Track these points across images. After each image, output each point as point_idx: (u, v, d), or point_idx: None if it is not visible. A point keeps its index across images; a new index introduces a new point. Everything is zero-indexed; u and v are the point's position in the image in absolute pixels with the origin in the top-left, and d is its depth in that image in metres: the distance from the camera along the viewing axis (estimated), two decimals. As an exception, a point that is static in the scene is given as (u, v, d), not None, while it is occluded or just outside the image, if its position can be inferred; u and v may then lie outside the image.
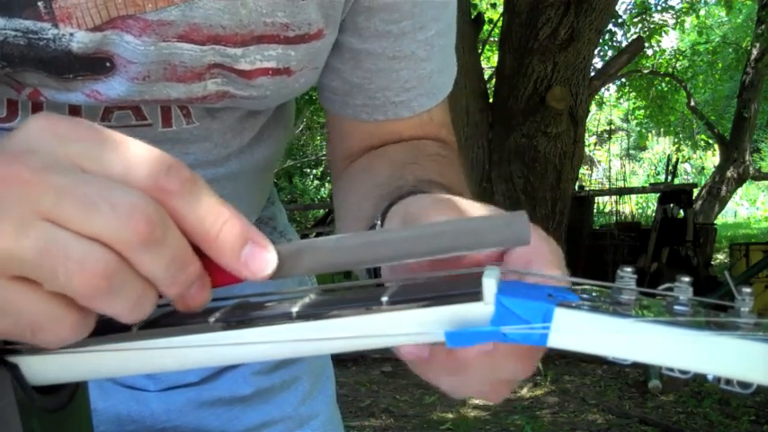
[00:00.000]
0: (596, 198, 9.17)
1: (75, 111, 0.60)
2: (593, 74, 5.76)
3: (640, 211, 12.82)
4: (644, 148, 20.25)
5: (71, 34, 0.53)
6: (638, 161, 20.74)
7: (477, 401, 3.79)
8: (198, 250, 0.38)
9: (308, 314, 0.37)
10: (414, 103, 0.72)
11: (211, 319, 0.38)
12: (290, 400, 0.80)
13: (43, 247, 0.34)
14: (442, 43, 0.71)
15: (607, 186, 12.92)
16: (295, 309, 0.37)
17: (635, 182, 17.69)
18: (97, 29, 0.54)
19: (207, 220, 0.37)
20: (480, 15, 6.36)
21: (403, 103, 0.71)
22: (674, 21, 11.66)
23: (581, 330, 0.33)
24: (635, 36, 10.15)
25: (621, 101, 15.19)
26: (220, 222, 0.37)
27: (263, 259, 0.38)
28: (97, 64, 0.56)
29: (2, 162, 0.35)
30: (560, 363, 4.51)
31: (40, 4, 0.52)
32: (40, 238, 0.34)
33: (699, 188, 10.93)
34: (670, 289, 0.35)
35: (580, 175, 9.83)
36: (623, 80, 12.13)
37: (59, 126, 0.37)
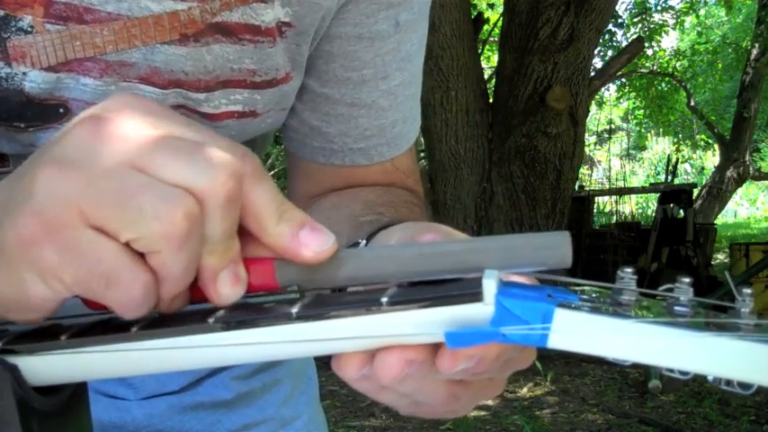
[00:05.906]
0: (596, 198, 9.17)
1: None
2: (593, 74, 5.76)
3: (640, 211, 12.83)
4: (644, 148, 20.25)
5: (24, 73, 0.53)
6: (638, 161, 20.75)
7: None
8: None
9: (307, 314, 0.37)
10: (372, 152, 0.71)
11: (211, 320, 0.38)
12: (271, 402, 0.80)
13: (132, 187, 0.35)
14: (408, 93, 0.70)
15: (607, 186, 12.92)
16: (295, 309, 0.37)
17: (635, 182, 17.70)
18: (52, 69, 0.53)
19: (273, 204, 0.39)
20: (480, 15, 6.36)
21: (361, 151, 0.70)
22: (674, 21, 11.66)
23: (581, 331, 0.33)
24: (635, 36, 10.15)
25: (621, 101, 15.19)
26: (284, 208, 0.39)
27: (321, 239, 0.39)
28: (49, 110, 0.55)
29: (101, 117, 0.37)
30: (560, 363, 4.52)
31: None
32: (131, 182, 0.35)
33: (699, 188, 10.93)
34: (670, 290, 0.34)
35: (580, 175, 9.83)
36: (623, 80, 12.13)
37: (149, 102, 0.39)
